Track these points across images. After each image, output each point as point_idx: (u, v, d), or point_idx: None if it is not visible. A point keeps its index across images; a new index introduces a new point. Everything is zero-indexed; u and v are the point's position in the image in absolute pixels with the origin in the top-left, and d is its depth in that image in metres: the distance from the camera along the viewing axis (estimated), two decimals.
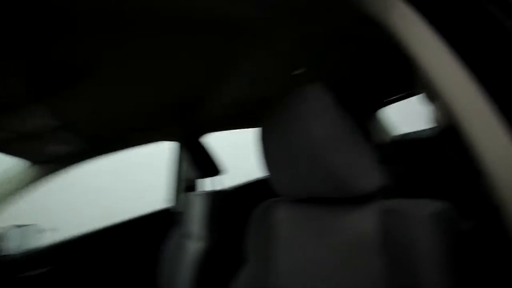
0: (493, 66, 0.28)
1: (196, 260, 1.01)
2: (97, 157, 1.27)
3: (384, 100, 1.75)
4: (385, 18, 0.38)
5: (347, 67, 1.12)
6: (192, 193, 1.30)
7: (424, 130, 1.52)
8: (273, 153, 0.50)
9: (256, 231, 0.60)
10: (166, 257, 1.25)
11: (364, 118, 1.82)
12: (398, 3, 0.35)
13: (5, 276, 1.13)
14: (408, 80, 1.32)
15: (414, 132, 1.72)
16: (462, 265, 0.33)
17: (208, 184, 1.29)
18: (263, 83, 1.07)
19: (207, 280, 0.98)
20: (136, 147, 1.37)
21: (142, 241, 1.44)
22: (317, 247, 0.46)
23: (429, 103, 0.61)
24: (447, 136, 0.41)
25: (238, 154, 2.69)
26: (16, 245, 1.21)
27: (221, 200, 1.10)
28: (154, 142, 1.43)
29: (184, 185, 1.53)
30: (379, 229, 0.38)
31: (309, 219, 0.50)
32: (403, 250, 0.34)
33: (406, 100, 1.72)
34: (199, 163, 1.20)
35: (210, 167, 1.22)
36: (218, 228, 1.05)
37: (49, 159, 1.11)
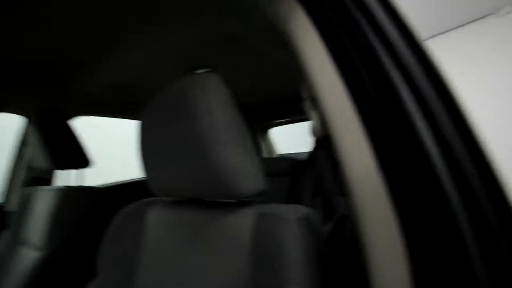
0: (367, 85, 0.30)
1: (30, 273, 0.77)
2: None
3: (275, 121, 1.95)
4: (285, 26, 0.38)
5: (246, 77, 1.13)
6: (34, 188, 1.03)
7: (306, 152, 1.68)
8: (152, 146, 0.45)
9: (117, 237, 0.52)
10: None
11: (255, 134, 2.03)
12: (298, 12, 0.36)
13: None
14: (298, 105, 1.36)
15: (298, 153, 1.91)
16: (322, 264, 0.35)
17: (63, 179, 1.03)
18: (150, 73, 0.99)
19: None
20: None
21: None
22: (189, 253, 0.43)
23: (311, 114, 0.62)
24: (321, 147, 0.40)
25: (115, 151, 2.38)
26: None
27: (73, 198, 0.87)
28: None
29: (26, 176, 1.21)
30: (252, 232, 0.38)
31: (183, 223, 0.46)
32: (271, 252, 0.35)
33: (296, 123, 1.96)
34: (54, 148, 0.90)
35: (69, 156, 0.93)
36: (63, 234, 0.82)
37: None
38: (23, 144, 1.20)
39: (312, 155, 0.79)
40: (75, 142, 0.95)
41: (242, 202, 0.45)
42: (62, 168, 0.95)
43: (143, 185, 0.55)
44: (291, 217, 0.37)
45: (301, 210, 0.39)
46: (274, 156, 2.15)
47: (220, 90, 0.41)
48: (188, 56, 0.92)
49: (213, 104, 0.39)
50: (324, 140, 0.39)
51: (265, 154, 2.10)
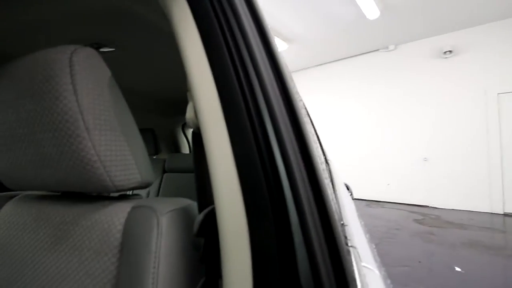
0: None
1: None
2: None
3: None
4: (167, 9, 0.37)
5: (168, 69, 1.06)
6: None
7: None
8: (3, 128, 0.38)
9: None
10: None
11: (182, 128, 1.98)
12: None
13: None
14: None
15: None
16: (189, 255, 0.34)
17: None
18: (28, 41, 0.80)
19: None
20: None
21: None
22: (48, 255, 0.38)
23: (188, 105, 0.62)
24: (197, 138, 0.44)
25: None
26: None
27: None
28: None
29: None
30: (124, 226, 0.35)
31: (43, 220, 0.40)
32: (137, 245, 0.33)
33: None
34: None
35: None
36: None
37: None
38: None
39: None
40: None
41: (123, 196, 0.41)
42: None
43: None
44: (163, 209, 0.35)
45: (180, 202, 0.38)
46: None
47: (95, 68, 0.35)
48: (77, 29, 0.76)
49: (82, 83, 0.33)
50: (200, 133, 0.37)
51: (185, 151, 2.05)
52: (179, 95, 1.40)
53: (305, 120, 0.33)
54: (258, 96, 0.30)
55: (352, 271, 0.29)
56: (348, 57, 4.63)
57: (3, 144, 0.38)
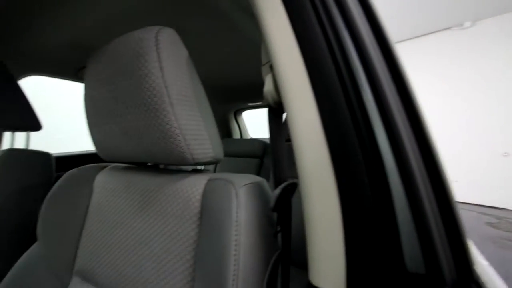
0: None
1: None
2: None
3: (250, 103, 1.91)
4: None
5: (218, 52, 1.04)
6: None
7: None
8: (97, 106, 0.43)
9: (58, 201, 0.50)
10: None
11: (228, 114, 1.99)
12: None
13: None
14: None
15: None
16: (268, 228, 0.35)
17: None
18: (106, 32, 0.86)
19: None
20: None
21: None
22: (136, 216, 0.42)
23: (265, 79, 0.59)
24: (274, 115, 0.42)
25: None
26: None
27: (15, 161, 0.79)
28: None
29: None
30: (202, 196, 0.38)
31: (132, 188, 0.45)
32: (217, 215, 0.34)
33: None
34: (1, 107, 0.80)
35: (17, 117, 0.84)
36: (3, 196, 0.76)
37: None
38: None
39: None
40: (23, 102, 0.86)
41: (197, 171, 0.44)
42: (9, 129, 0.88)
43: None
44: (239, 182, 0.36)
45: (253, 178, 0.39)
46: (245, 138, 2.10)
47: (176, 47, 0.38)
48: (150, 16, 0.79)
49: (167, 61, 0.36)
50: (277, 107, 0.36)
51: (237, 136, 2.05)
52: (234, 82, 1.42)
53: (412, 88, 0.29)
54: (350, 57, 0.27)
55: (474, 262, 0.25)
56: (414, 37, 4.13)
57: (100, 118, 0.43)
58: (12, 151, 0.79)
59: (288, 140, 0.32)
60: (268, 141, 1.83)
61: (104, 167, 0.52)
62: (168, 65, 0.36)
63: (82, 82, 1.31)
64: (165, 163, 0.42)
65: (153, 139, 0.37)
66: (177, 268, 0.35)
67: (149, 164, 0.49)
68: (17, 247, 0.77)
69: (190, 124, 0.37)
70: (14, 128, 0.84)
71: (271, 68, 0.33)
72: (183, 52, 0.39)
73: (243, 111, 2.13)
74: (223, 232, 0.32)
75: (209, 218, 0.35)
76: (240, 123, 2.14)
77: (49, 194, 0.50)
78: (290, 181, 0.37)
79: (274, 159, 0.38)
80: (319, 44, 0.28)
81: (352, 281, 0.24)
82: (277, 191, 0.33)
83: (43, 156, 0.82)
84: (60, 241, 0.47)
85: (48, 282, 0.45)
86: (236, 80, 1.35)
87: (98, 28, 0.85)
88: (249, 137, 2.18)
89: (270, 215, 0.36)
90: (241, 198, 0.34)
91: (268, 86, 0.34)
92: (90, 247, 0.45)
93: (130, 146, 0.41)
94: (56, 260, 0.46)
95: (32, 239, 0.70)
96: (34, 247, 0.49)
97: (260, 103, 1.88)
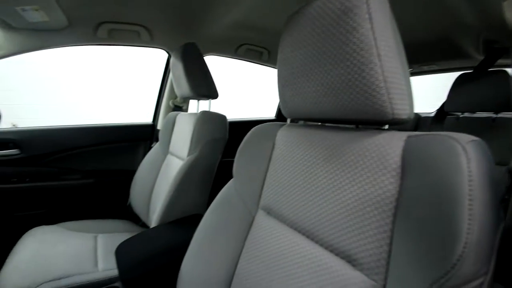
0: None
1: (176, 176, 0.97)
2: (76, 43, 1.18)
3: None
4: None
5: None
6: (176, 112, 1.26)
7: None
8: (292, 63, 0.45)
9: (247, 152, 0.60)
10: (142, 170, 1.26)
11: None
12: None
13: None
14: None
15: None
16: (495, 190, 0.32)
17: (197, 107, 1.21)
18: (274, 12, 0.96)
19: (186, 191, 0.97)
20: (121, 43, 1.28)
21: (119, 149, 1.45)
22: (321, 170, 0.45)
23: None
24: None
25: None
26: None
27: (208, 120, 1.02)
28: (143, 45, 1.33)
29: (171, 102, 1.51)
30: (402, 150, 0.37)
31: (316, 143, 0.47)
32: (435, 170, 0.32)
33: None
34: (192, 79, 1.04)
35: (203, 88, 1.07)
36: (200, 147, 0.99)
37: (20, 25, 0.99)
38: (167, 75, 1.47)
39: None
40: (208, 75, 1.08)
41: (385, 130, 0.42)
42: (196, 97, 1.12)
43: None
44: (461, 138, 0.33)
45: (466, 136, 0.35)
46: None
47: (385, 3, 0.37)
48: None
49: (375, 12, 0.35)
50: None
51: None
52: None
53: None
54: None
55: None
56: None
57: (294, 78, 0.46)
58: (205, 112, 1.04)
59: None
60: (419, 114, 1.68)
61: (283, 125, 0.58)
62: (377, 16, 0.36)
63: (240, 58, 1.61)
64: (357, 121, 0.43)
65: (351, 94, 0.38)
66: (371, 217, 0.37)
67: (329, 125, 0.52)
68: (203, 184, 1.01)
69: (394, 77, 0.37)
70: (202, 96, 1.08)
71: None
72: (385, 1, 0.38)
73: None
74: (451, 186, 0.30)
75: (420, 173, 0.34)
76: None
77: (241, 145, 0.61)
78: None
79: None
80: None
81: None
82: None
83: (222, 117, 1.05)
84: (248, 180, 0.57)
85: (240, 210, 0.56)
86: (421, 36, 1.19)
87: (263, 7, 0.93)
88: None
89: (496, 178, 0.33)
90: (470, 153, 0.31)
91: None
92: (274, 188, 0.52)
93: (323, 103, 0.43)
94: (246, 195, 0.57)
95: (215, 178, 0.89)
96: (230, 183, 0.61)
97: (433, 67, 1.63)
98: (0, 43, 1.02)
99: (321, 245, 0.42)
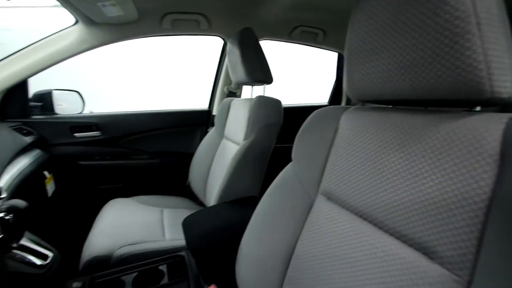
0: None
1: (232, 159, 1.01)
2: (145, 34, 1.29)
3: None
4: None
5: None
6: (230, 98, 1.29)
7: None
8: (368, 43, 0.42)
9: (308, 135, 0.59)
10: (200, 153, 1.34)
11: None
12: None
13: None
14: None
15: None
16: None
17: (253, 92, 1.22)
18: None
19: (241, 174, 1.00)
20: (182, 33, 1.36)
21: (179, 133, 1.57)
22: (394, 152, 0.42)
23: None
24: None
25: None
26: (65, 107, 1.41)
27: (264, 106, 1.03)
28: (202, 33, 1.39)
29: (225, 89, 1.55)
30: (504, 135, 0.31)
31: (388, 126, 0.44)
32: None
33: None
34: (249, 66, 1.05)
35: (259, 73, 1.07)
36: (256, 132, 1.01)
37: (100, 20, 1.13)
38: (222, 62, 1.52)
39: None
40: (263, 60, 1.08)
41: (481, 111, 0.37)
42: (251, 83, 1.13)
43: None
44: None
45: None
46: None
47: None
48: None
49: None
50: None
51: None
52: None
53: None
54: None
55: None
56: None
57: (366, 56, 0.43)
58: (261, 97, 1.06)
59: None
60: None
61: (348, 108, 0.55)
62: None
63: (294, 42, 1.59)
64: (441, 101, 0.39)
65: (438, 71, 0.34)
66: (457, 208, 0.33)
67: (402, 107, 0.48)
68: (258, 168, 1.04)
69: (495, 50, 0.32)
70: (257, 81, 1.09)
71: None
72: None
73: None
74: None
75: None
76: None
77: (301, 128, 0.61)
78: None
79: None
80: None
81: None
82: None
83: (277, 102, 1.05)
84: (308, 164, 0.57)
85: (299, 193, 0.56)
86: None
87: None
88: None
89: None
90: None
91: None
92: (336, 173, 0.50)
93: (398, 82, 0.39)
94: (305, 179, 0.56)
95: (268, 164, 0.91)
96: (289, 166, 0.62)
97: None
98: (85, 37, 1.18)
99: (391, 234, 0.40)
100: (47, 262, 0.67)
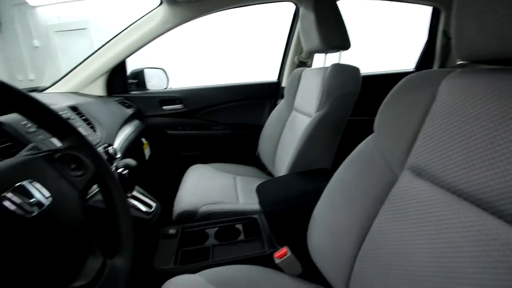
0: None
1: (302, 132, 1.00)
2: (219, 8, 1.32)
3: None
4: None
5: None
6: (301, 68, 1.24)
7: None
8: None
9: (396, 103, 0.52)
10: (269, 125, 1.37)
11: None
12: None
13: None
14: None
15: None
16: None
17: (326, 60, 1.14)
18: None
19: (314, 146, 0.99)
20: (255, 2, 1.36)
21: (249, 106, 1.63)
22: (500, 124, 0.36)
23: None
24: None
25: None
26: (154, 83, 1.60)
27: (339, 74, 0.97)
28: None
29: (296, 58, 1.49)
30: None
31: (505, 93, 0.37)
32: None
33: None
34: (325, 31, 0.97)
35: (336, 38, 0.98)
36: (328, 104, 0.96)
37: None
38: (293, 31, 1.46)
39: None
40: (341, 23, 0.99)
41: None
42: (326, 50, 1.06)
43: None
44: None
45: None
46: None
47: None
48: None
49: None
50: None
51: None
52: None
53: None
54: None
55: None
56: None
57: (476, 6, 0.36)
58: (336, 65, 1.00)
59: None
60: None
61: (450, 72, 0.47)
62: None
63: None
64: None
65: None
66: None
67: None
68: (332, 139, 1.02)
69: None
70: (333, 48, 1.02)
71: None
72: None
73: None
74: None
75: None
76: None
77: (388, 96, 0.55)
78: None
79: None
80: None
81: None
82: None
83: (355, 69, 0.99)
84: (394, 136, 0.52)
85: (381, 167, 0.53)
86: None
87: None
88: None
89: None
90: None
91: None
92: (431, 146, 0.45)
93: None
94: (389, 152, 0.52)
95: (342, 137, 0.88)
96: (369, 138, 0.58)
97: None
98: (168, 17, 1.29)
99: (508, 221, 0.34)
100: (152, 210, 0.82)
